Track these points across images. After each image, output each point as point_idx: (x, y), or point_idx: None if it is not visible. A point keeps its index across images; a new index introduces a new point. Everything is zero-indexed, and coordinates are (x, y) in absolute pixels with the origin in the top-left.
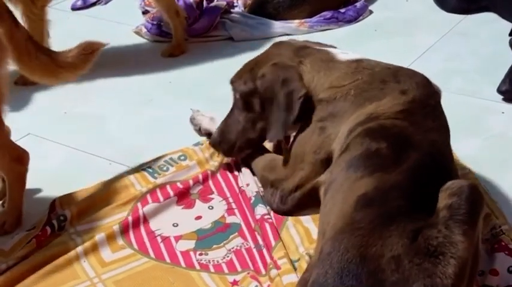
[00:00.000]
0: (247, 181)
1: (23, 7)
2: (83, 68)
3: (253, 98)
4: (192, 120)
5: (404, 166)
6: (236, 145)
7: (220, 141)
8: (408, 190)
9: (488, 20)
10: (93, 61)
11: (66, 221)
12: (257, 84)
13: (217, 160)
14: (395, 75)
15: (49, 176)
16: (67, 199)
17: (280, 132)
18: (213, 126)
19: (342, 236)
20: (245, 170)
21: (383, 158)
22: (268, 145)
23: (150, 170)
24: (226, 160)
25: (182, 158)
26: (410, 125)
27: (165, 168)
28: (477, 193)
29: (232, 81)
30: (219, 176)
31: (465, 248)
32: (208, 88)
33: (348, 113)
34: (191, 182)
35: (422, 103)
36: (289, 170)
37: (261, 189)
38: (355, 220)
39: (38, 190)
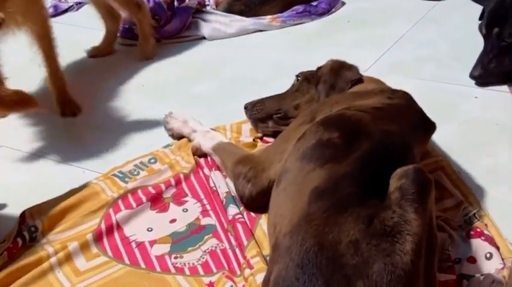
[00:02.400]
0: (218, 182)
1: None
2: (7, 108)
3: (312, 79)
4: (166, 124)
5: (355, 155)
6: (265, 111)
7: (256, 103)
8: (359, 178)
9: (459, 4)
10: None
11: (38, 231)
12: (318, 73)
13: (189, 161)
14: (393, 91)
15: (23, 188)
16: (37, 209)
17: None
18: (186, 129)
19: (299, 228)
20: (216, 172)
21: (334, 148)
22: (247, 140)
23: (120, 175)
24: (197, 160)
25: (152, 161)
26: (371, 116)
27: (135, 172)
28: (422, 173)
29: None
30: (192, 178)
31: (419, 225)
32: (182, 89)
33: (340, 104)
34: (163, 186)
35: (398, 108)
36: (267, 161)
37: (232, 189)
38: (310, 213)
39: (12, 203)
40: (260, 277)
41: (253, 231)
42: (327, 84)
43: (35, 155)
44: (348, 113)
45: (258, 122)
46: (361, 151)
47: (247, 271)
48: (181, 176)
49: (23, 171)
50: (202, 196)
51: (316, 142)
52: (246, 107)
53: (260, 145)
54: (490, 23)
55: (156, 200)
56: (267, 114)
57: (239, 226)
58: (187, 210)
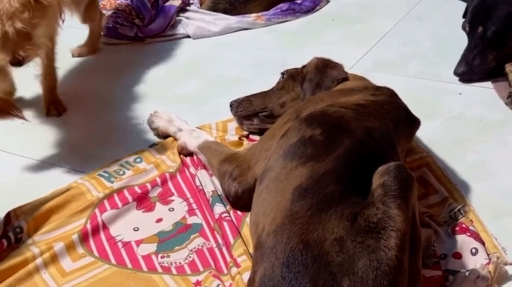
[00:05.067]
0: (204, 181)
1: None
2: None
3: (297, 76)
4: (151, 123)
5: (337, 153)
6: (251, 109)
7: (242, 101)
8: (341, 175)
9: (443, 1)
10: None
11: (23, 232)
12: (303, 71)
13: (174, 160)
14: (377, 87)
15: (7, 189)
16: (22, 210)
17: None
18: (172, 127)
19: (283, 228)
20: (202, 171)
21: (316, 145)
22: (233, 138)
23: (106, 175)
24: (183, 159)
25: (138, 160)
26: (354, 113)
27: (121, 172)
28: (404, 170)
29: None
30: (178, 177)
31: (402, 220)
32: (167, 88)
33: (324, 101)
34: (149, 185)
35: (382, 104)
36: (252, 160)
37: (218, 187)
38: (294, 211)
39: None
40: (247, 276)
41: (240, 229)
42: (312, 83)
43: (19, 155)
44: (330, 109)
45: (243, 119)
46: (343, 148)
47: (234, 270)
48: (167, 175)
49: (7, 171)
50: (188, 195)
51: (299, 140)
52: (231, 105)
53: (246, 143)
54: (473, 20)
55: (142, 200)
56: (252, 112)
57: (226, 225)
58: (173, 209)
